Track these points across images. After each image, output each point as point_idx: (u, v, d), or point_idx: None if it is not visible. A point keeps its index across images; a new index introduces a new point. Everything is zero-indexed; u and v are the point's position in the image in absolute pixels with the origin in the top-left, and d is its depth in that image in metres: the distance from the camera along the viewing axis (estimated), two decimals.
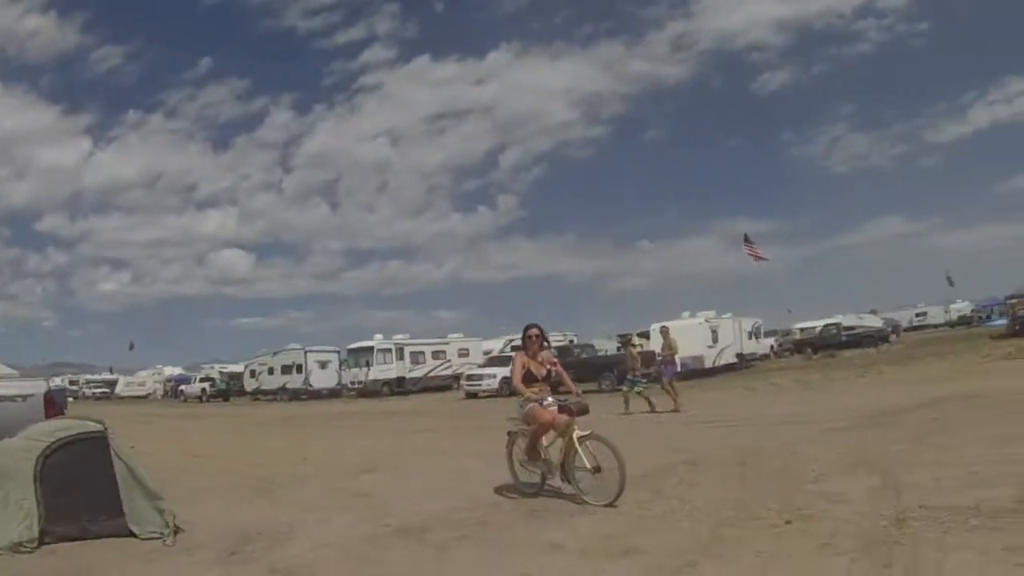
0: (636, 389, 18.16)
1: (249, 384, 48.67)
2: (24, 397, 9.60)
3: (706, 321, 36.14)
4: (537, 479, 8.08)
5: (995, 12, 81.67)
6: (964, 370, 21.89)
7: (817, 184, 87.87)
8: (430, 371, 43.42)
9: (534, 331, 8.23)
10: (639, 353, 20.34)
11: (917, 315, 72.84)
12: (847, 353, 39.82)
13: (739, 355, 37.93)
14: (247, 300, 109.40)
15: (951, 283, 71.23)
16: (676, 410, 17.10)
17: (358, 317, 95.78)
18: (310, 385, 43.52)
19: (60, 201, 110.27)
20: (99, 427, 7.18)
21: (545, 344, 8.36)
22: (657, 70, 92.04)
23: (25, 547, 6.36)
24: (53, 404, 9.71)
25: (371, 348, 42.50)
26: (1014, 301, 39.08)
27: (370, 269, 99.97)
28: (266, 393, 45.93)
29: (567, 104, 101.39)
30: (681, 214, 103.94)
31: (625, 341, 24.23)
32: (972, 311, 68.87)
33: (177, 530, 6.84)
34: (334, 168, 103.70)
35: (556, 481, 7.90)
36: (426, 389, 41.73)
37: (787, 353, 48.27)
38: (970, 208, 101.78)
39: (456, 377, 41.19)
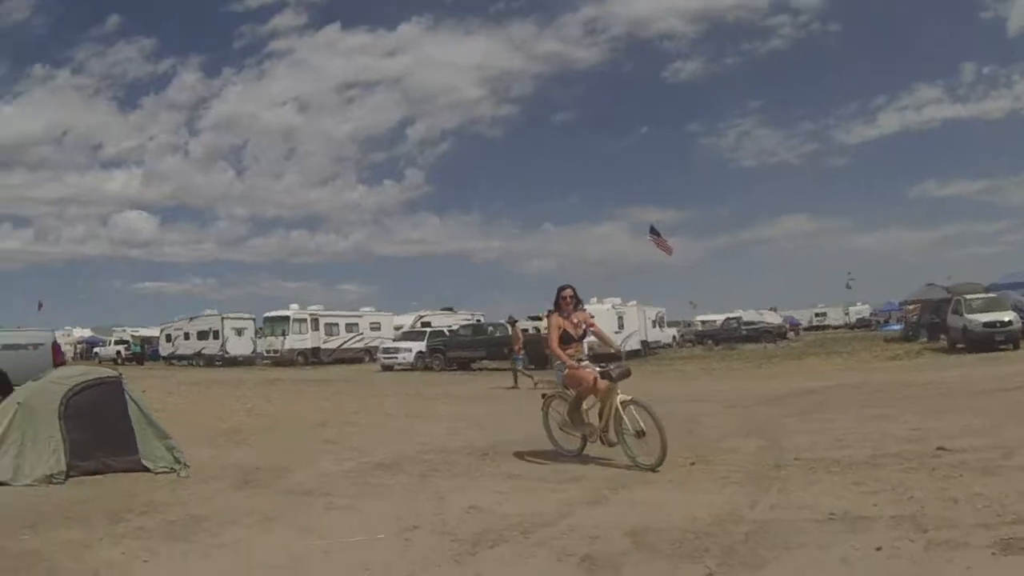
0: (518, 366, 21.05)
1: (165, 348, 47.87)
2: (35, 345, 10.50)
3: (613, 308, 37.68)
4: (577, 444, 8.09)
5: (907, 19, 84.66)
6: (853, 366, 24.03)
7: (725, 177, 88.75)
8: (343, 343, 43.98)
9: (568, 291, 8.06)
10: (524, 334, 22.88)
11: (817, 315, 75.94)
12: (746, 347, 42.30)
13: (643, 342, 39.33)
14: (152, 263, 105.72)
15: (849, 286, 73.86)
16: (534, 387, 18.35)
17: (264, 286, 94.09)
18: (226, 352, 43.27)
19: None
20: (115, 373, 8.23)
21: (580, 304, 8.26)
22: (568, 52, 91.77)
23: (56, 479, 7.15)
24: (59, 352, 10.64)
25: (287, 318, 42.84)
26: (910, 307, 41.64)
27: (274, 237, 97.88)
28: (181, 358, 45.34)
29: (477, 81, 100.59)
30: (586, 199, 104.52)
31: (511, 322, 26.52)
32: (871, 315, 71.56)
33: (185, 466, 7.76)
34: (241, 133, 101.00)
35: (596, 445, 7.94)
36: (339, 360, 42.22)
37: (688, 344, 50.90)
38: (877, 211, 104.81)
39: (368, 350, 42.25)
